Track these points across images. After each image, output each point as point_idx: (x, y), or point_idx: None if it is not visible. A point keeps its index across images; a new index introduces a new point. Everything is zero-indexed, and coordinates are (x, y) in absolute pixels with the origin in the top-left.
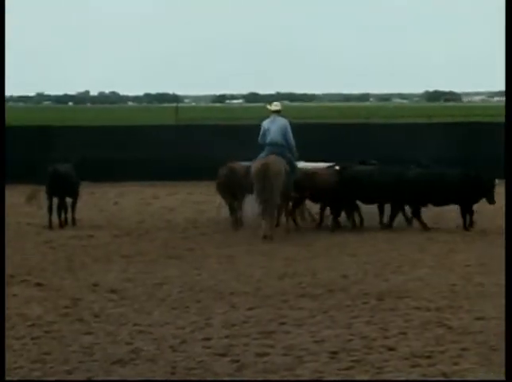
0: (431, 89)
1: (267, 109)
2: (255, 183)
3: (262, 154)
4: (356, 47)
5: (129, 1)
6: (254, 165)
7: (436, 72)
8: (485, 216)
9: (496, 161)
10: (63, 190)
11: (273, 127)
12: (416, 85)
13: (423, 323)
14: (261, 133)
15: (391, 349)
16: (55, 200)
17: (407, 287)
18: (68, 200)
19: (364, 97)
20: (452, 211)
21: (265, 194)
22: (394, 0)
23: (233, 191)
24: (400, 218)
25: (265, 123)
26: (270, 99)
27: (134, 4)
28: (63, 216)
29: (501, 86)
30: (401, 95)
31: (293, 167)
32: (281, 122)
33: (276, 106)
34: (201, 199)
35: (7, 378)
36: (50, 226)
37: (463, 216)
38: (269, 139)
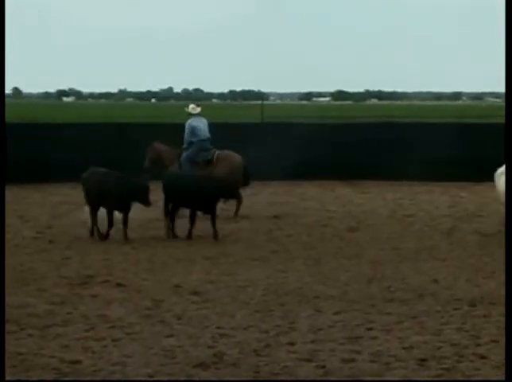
0: None
1: (194, 110)
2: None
3: (193, 149)
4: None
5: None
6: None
7: None
8: None
9: None
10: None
11: (203, 126)
12: None
13: None
14: (188, 131)
15: (483, 357)
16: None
17: (500, 293)
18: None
19: (456, 96)
20: None
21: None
22: None
23: None
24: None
25: (194, 122)
26: (358, 96)
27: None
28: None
29: None
30: (494, 94)
31: None
32: (205, 120)
33: (194, 109)
34: (282, 200)
35: (7, 378)
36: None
37: None
38: (203, 136)
